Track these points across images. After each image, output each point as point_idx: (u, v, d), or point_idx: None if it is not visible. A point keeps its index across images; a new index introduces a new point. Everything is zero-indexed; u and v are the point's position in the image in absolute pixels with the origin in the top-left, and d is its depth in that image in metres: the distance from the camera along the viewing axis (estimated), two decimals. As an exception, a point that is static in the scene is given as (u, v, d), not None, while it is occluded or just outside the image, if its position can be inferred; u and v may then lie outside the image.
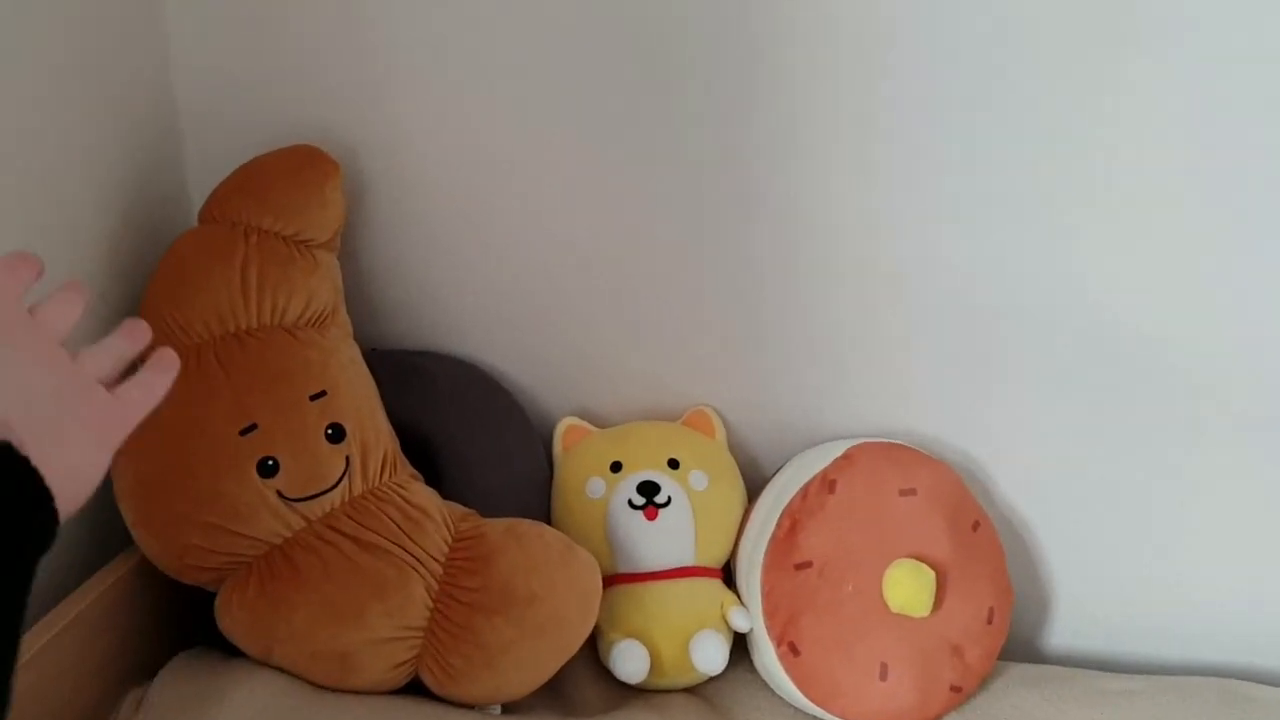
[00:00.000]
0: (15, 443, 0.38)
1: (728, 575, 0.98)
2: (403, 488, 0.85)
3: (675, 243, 0.96)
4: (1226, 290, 0.89)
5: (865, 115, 0.88)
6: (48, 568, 0.40)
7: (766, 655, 0.90)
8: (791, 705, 0.91)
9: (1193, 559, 0.98)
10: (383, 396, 0.90)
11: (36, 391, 0.41)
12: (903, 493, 0.91)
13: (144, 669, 0.84)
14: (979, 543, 0.93)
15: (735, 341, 0.99)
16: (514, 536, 0.84)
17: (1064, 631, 1.03)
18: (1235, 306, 0.89)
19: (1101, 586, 1.01)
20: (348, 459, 0.84)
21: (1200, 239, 0.88)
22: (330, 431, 0.83)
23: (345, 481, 0.83)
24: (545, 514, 0.97)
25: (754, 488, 1.00)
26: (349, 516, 0.83)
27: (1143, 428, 0.95)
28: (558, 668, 0.84)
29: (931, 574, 0.88)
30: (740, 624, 0.92)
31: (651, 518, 0.92)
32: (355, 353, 0.90)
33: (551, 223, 0.97)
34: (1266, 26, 0.81)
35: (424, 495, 0.86)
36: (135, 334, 0.50)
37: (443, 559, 0.83)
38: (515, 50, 0.90)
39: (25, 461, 0.38)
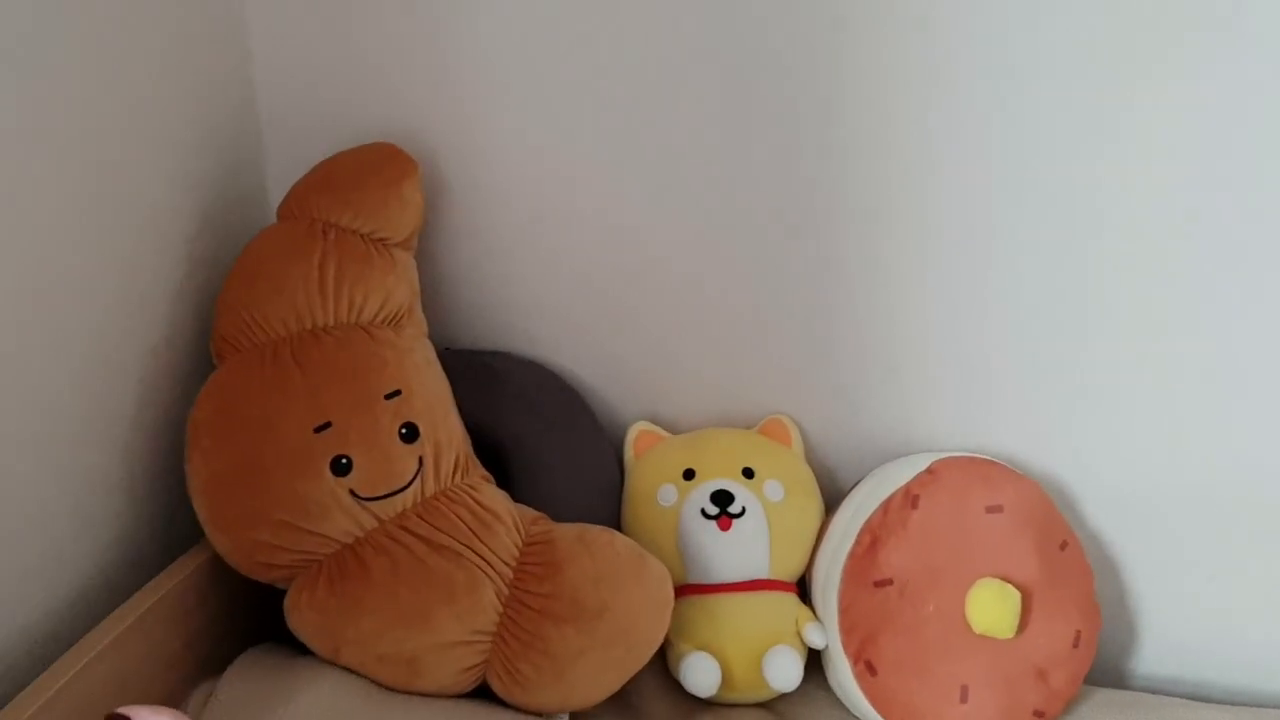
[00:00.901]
0: None
1: (802, 590, 0.95)
2: (474, 489, 0.84)
3: (753, 247, 0.94)
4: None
5: (958, 119, 0.86)
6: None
7: (842, 673, 0.87)
8: (868, 725, 0.89)
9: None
10: (456, 397, 0.89)
11: None
12: (989, 510, 0.88)
13: (213, 665, 0.84)
14: (1066, 563, 0.89)
15: (814, 350, 0.97)
16: (584, 544, 0.82)
17: (1150, 659, 0.99)
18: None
19: (1189, 612, 0.96)
20: (420, 459, 0.83)
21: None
22: (404, 431, 0.82)
23: (418, 482, 0.82)
24: (615, 520, 0.95)
25: (831, 501, 0.97)
26: (420, 517, 0.82)
27: (1238, 439, 0.90)
28: (627, 679, 0.82)
29: (1017, 595, 0.84)
30: (816, 640, 0.89)
31: (725, 528, 0.90)
32: (430, 353, 0.89)
33: (627, 227, 0.95)
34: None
35: (495, 498, 0.85)
36: None
37: (513, 563, 0.81)
38: (598, 59, 0.89)
39: None
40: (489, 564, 0.80)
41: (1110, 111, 0.83)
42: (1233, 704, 0.93)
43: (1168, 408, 0.91)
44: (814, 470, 0.98)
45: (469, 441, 0.88)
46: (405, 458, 0.82)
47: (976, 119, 0.85)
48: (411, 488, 0.82)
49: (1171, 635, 0.98)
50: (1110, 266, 0.88)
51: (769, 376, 0.99)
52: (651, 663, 0.88)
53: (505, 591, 0.81)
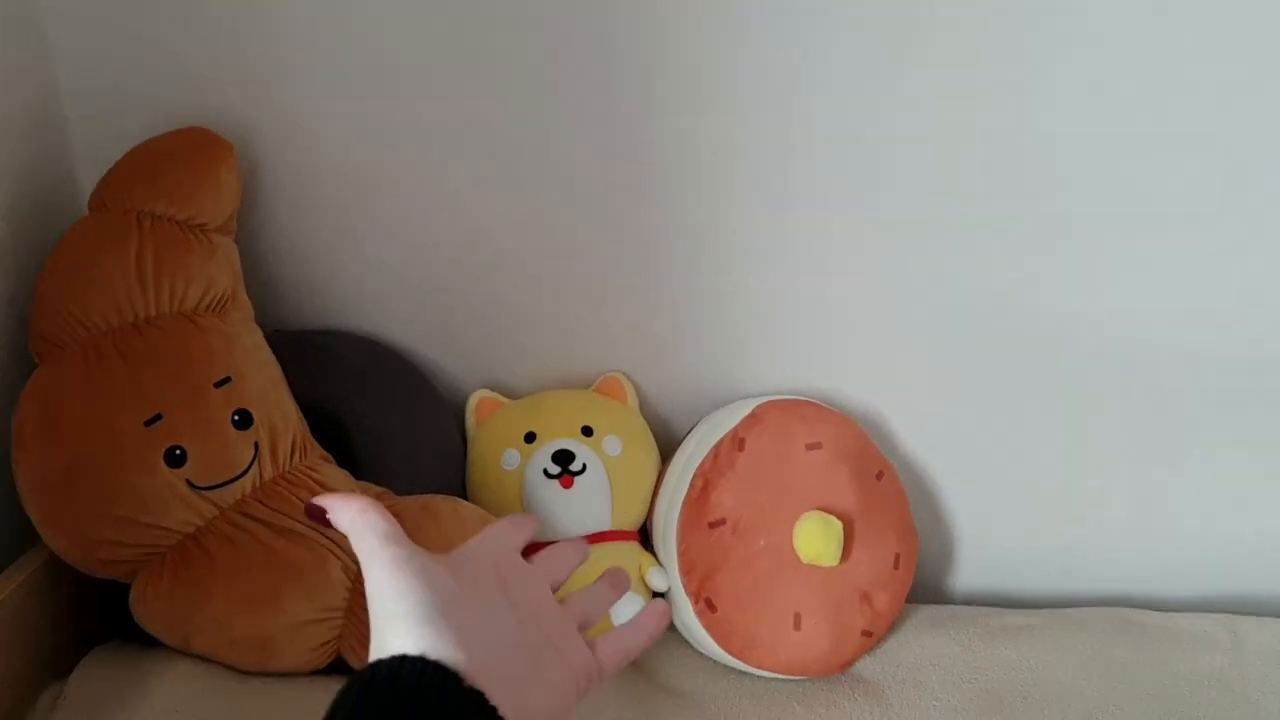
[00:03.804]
0: (486, 693, 0.39)
1: (644, 537, 1.00)
2: (314, 470, 0.85)
3: (576, 211, 0.96)
4: (1106, 260, 0.93)
5: (763, 72, 0.89)
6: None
7: (685, 612, 0.93)
8: (711, 659, 0.94)
9: (1086, 494, 1.03)
10: (289, 379, 0.89)
11: (514, 646, 0.44)
12: (809, 447, 0.94)
13: (60, 667, 0.83)
14: (883, 491, 0.96)
15: (643, 307, 1.00)
16: (429, 513, 0.84)
17: (966, 573, 1.08)
18: (1117, 275, 0.93)
19: (1000, 526, 1.06)
20: (256, 444, 0.83)
21: (1094, 215, 0.91)
22: (237, 418, 0.83)
23: (255, 467, 0.83)
24: (461, 488, 0.98)
25: (668, 449, 1.02)
26: (261, 502, 0.83)
27: (1039, 373, 0.99)
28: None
29: (839, 524, 0.91)
30: (658, 584, 0.94)
31: (567, 486, 0.94)
32: (258, 337, 0.89)
33: (453, 197, 0.97)
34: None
35: (336, 477, 0.86)
36: (619, 582, 0.56)
37: (359, 539, 0.83)
38: (407, 26, 0.89)
39: (494, 711, 0.39)
40: (334, 541, 0.82)
41: (898, 67, 0.88)
42: (1044, 607, 1.03)
43: (968, 338, 0.98)
44: (650, 422, 1.03)
45: (305, 423, 0.88)
46: (240, 444, 0.82)
47: (781, 72, 0.88)
48: (249, 474, 0.82)
49: (984, 550, 1.07)
50: (908, 205, 0.93)
51: (602, 337, 1.02)
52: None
53: (353, 567, 0.82)
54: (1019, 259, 0.94)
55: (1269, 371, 0.96)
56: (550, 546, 0.54)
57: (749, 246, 0.96)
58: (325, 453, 0.89)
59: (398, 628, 0.40)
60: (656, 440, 1.02)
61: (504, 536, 0.52)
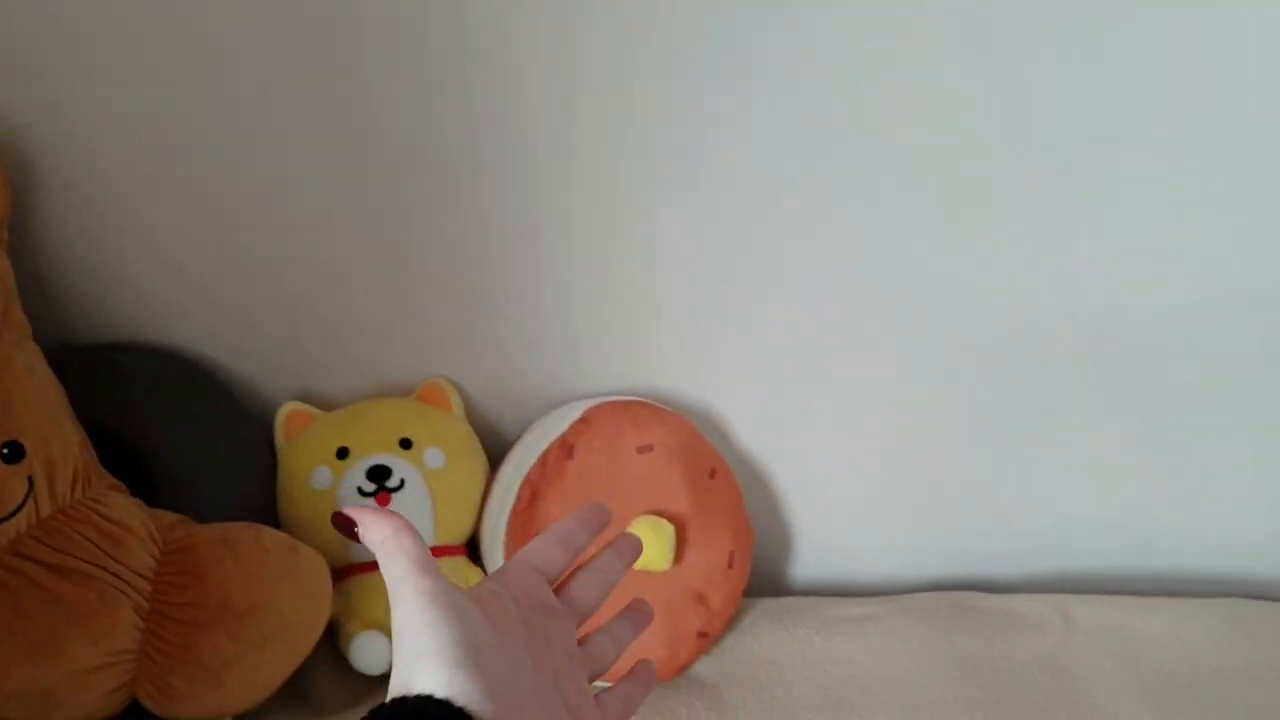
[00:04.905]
0: None
1: (475, 550, 0.96)
2: (99, 503, 0.78)
3: (393, 211, 0.91)
4: (940, 243, 0.92)
5: (589, 65, 0.85)
6: None
7: (515, 627, 0.89)
8: (546, 672, 0.91)
9: (921, 480, 1.03)
10: (76, 399, 0.82)
11: (532, 700, 0.41)
12: (640, 450, 0.91)
13: None
14: (717, 490, 0.94)
15: (466, 309, 0.95)
16: (228, 544, 0.79)
17: (806, 563, 1.07)
18: (950, 256, 0.93)
19: (838, 515, 1.05)
20: (30, 479, 0.76)
21: (925, 194, 0.90)
22: (6, 451, 0.75)
23: (30, 504, 0.76)
24: (273, 510, 0.92)
25: (499, 458, 0.98)
26: (39, 541, 0.75)
27: (869, 360, 0.98)
28: (288, 674, 0.80)
29: (670, 528, 0.89)
30: (487, 599, 0.90)
31: (384, 503, 0.89)
32: (33, 358, 0.81)
33: (260, 199, 0.89)
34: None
35: (124, 508, 0.79)
36: (640, 619, 0.55)
37: (151, 575, 0.77)
38: (218, 28, 0.81)
39: None
40: (123, 580, 0.76)
41: (737, 60, 0.84)
42: (883, 594, 1.03)
43: (799, 327, 0.96)
44: (479, 428, 0.98)
45: (91, 449, 0.81)
46: (10, 480, 0.75)
47: (611, 71, 0.84)
48: (23, 512, 0.75)
49: (821, 539, 1.06)
50: (732, 197, 0.90)
51: (423, 341, 0.97)
52: (323, 645, 0.87)
53: (145, 606, 0.76)
54: (843, 245, 0.92)
55: (1104, 359, 0.96)
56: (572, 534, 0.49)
57: (575, 242, 0.92)
58: (115, 481, 0.82)
59: (427, 667, 0.38)
60: (487, 447, 0.98)
61: (544, 559, 0.48)
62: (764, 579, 1.06)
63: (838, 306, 0.95)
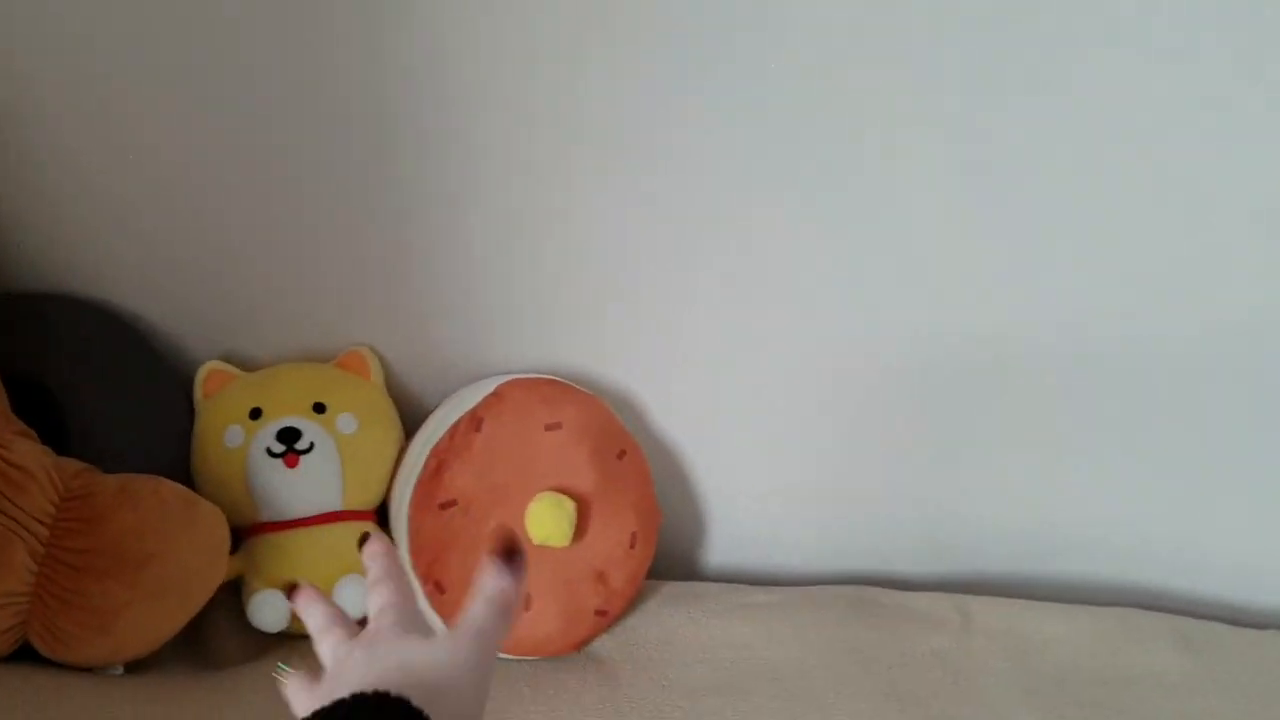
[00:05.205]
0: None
1: (386, 518, 0.97)
2: (4, 447, 0.80)
3: (324, 178, 0.92)
4: (847, 232, 0.93)
5: (506, 46, 0.86)
6: None
7: (417, 594, 0.91)
8: (445, 640, 0.93)
9: (834, 472, 1.05)
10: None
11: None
12: (548, 427, 0.93)
13: None
14: (624, 471, 0.96)
15: (392, 279, 0.97)
16: (127, 495, 0.80)
17: (720, 549, 1.09)
18: (865, 253, 0.94)
19: (752, 504, 1.07)
20: (-65, 420, 0.78)
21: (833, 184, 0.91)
22: (-91, 393, 0.77)
23: (-69, 444, 0.78)
24: (187, 467, 0.93)
25: (417, 426, 0.99)
26: (-60, 482, 0.77)
27: (789, 351, 0.99)
28: (180, 626, 0.82)
29: (571, 505, 0.90)
30: (389, 565, 0.92)
31: (292, 465, 0.90)
32: (-52, 303, 0.83)
33: (194, 165, 0.91)
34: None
35: (28, 454, 0.81)
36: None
37: (49, 520, 0.79)
38: None
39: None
40: (19, 523, 0.77)
41: (661, 44, 0.85)
42: (791, 584, 1.04)
43: (722, 315, 0.98)
44: (401, 399, 1.00)
45: (3, 395, 0.83)
46: (-87, 421, 0.77)
47: (520, 43, 0.85)
48: (-78, 451, 0.77)
49: (734, 529, 1.08)
50: (653, 180, 0.91)
51: (348, 309, 0.99)
52: (227, 601, 0.89)
53: (41, 550, 0.78)
54: (767, 240, 0.93)
55: (1011, 366, 0.97)
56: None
57: (501, 217, 0.94)
58: (24, 427, 0.84)
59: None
60: (409, 417, 1.00)
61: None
62: (676, 563, 1.08)
63: (760, 300, 0.97)
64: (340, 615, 0.49)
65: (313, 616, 0.50)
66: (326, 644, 0.48)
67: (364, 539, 0.53)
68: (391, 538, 0.94)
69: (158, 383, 0.93)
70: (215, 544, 0.83)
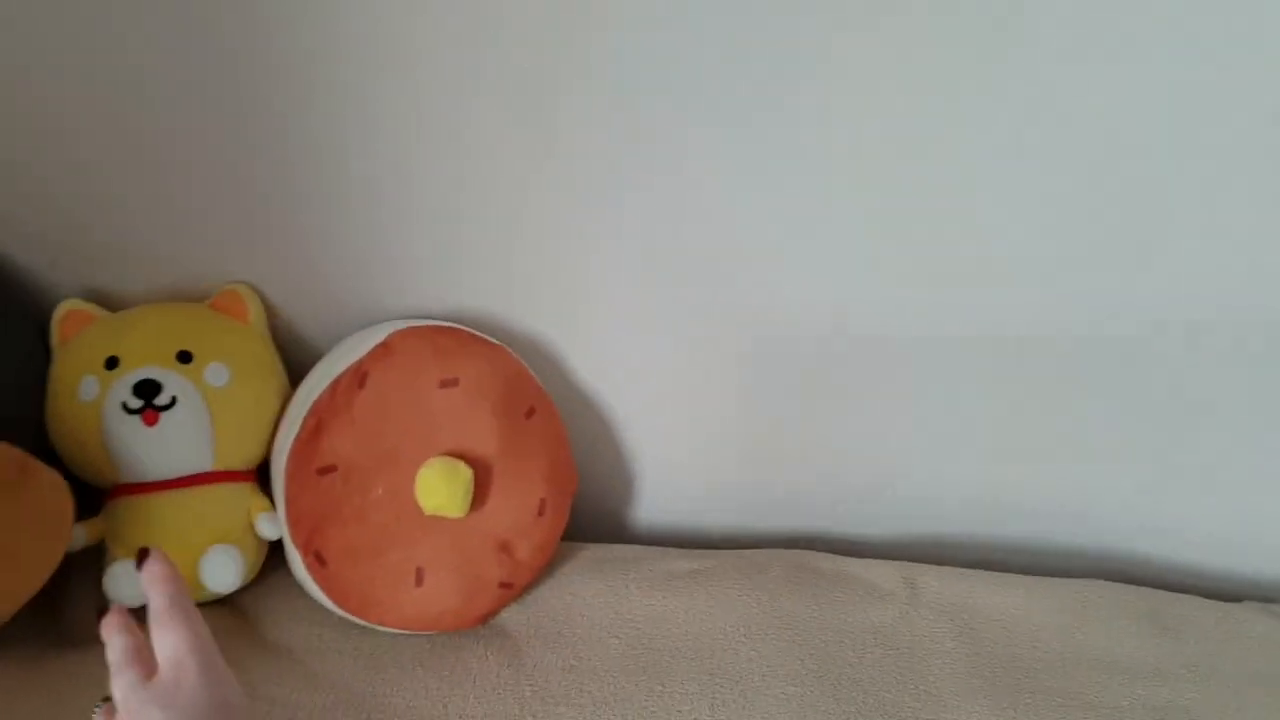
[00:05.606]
0: None
1: (268, 476, 0.88)
2: None
3: (197, 92, 0.80)
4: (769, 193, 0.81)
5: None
6: None
7: (296, 565, 0.82)
8: (333, 613, 0.85)
9: (770, 431, 0.95)
10: None
11: None
12: (443, 384, 0.82)
13: None
14: (532, 431, 0.86)
15: (275, 206, 0.85)
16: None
17: (649, 509, 1.00)
18: (785, 212, 0.82)
19: (684, 461, 0.97)
20: None
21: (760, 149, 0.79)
22: None
23: None
24: (41, 418, 0.84)
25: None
26: None
27: (721, 307, 0.88)
28: (21, 602, 0.74)
29: (467, 472, 0.81)
30: (268, 532, 0.83)
31: (151, 422, 0.81)
32: None
33: (62, 80, 0.79)
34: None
35: None
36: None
37: None
38: None
39: None
40: None
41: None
42: (727, 546, 0.95)
43: (650, 266, 0.87)
44: (288, 345, 0.90)
45: None
46: None
47: None
48: None
49: (665, 485, 0.99)
50: (571, 116, 0.80)
51: (226, 241, 0.87)
52: (91, 568, 0.81)
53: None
54: (702, 157, 0.81)
55: (958, 323, 0.87)
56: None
57: (394, 140, 0.81)
58: None
59: None
60: (298, 366, 0.89)
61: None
62: (604, 523, 0.99)
63: (688, 235, 0.85)
64: (140, 652, 0.48)
65: (112, 648, 0.48)
66: (119, 685, 0.47)
67: (142, 557, 0.50)
68: (272, 502, 0.85)
69: (6, 321, 0.83)
70: (55, 511, 0.74)
